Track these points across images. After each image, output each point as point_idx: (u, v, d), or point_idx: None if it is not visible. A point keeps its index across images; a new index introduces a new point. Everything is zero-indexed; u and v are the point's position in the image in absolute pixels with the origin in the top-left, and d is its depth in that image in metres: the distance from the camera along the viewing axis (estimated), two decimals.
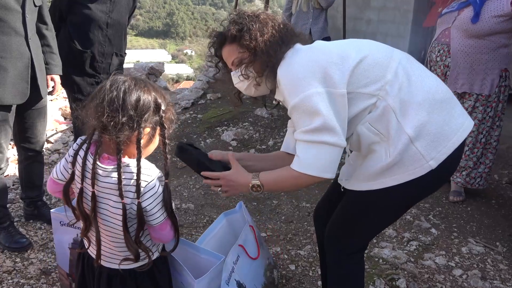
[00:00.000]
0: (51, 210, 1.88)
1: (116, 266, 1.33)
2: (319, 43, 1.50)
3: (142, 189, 1.22)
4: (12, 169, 3.35)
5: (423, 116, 1.36)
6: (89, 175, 1.24)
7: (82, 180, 1.25)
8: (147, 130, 1.22)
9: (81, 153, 1.28)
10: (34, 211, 2.68)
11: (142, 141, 1.22)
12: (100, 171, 1.23)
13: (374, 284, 2.14)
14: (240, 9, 1.55)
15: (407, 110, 1.37)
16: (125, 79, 1.20)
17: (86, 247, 1.36)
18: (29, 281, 2.16)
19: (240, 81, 1.53)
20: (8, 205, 2.59)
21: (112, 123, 1.15)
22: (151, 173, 1.25)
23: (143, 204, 1.22)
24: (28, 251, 2.39)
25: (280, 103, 1.57)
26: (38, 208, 2.68)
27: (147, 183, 1.23)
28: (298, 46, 1.47)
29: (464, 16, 2.70)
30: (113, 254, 1.33)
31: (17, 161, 2.66)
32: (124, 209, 1.21)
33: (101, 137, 1.21)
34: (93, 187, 1.23)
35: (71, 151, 1.31)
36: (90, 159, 1.25)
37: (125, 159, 1.24)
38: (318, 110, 1.32)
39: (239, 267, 1.79)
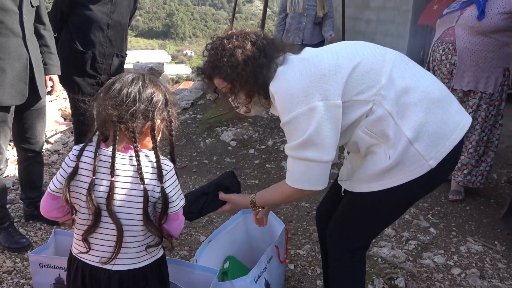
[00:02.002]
0: (29, 253, 1.87)
1: (128, 267, 1.32)
2: (309, 53, 1.48)
3: (163, 176, 1.29)
4: (12, 170, 3.35)
5: (420, 117, 1.37)
6: (104, 165, 1.27)
7: (94, 172, 1.27)
8: (158, 121, 1.31)
9: (89, 149, 1.30)
10: (34, 211, 2.68)
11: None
12: (119, 160, 1.28)
13: (373, 283, 2.15)
14: (212, 39, 1.51)
15: (405, 112, 1.37)
16: (139, 76, 1.30)
17: (85, 251, 1.32)
18: (29, 281, 2.17)
19: (236, 107, 1.57)
20: (8, 206, 2.60)
21: (129, 112, 1.24)
22: (169, 163, 1.34)
23: (166, 190, 1.30)
24: (28, 251, 2.39)
25: None
26: (37, 208, 2.68)
27: (167, 172, 1.31)
28: (289, 58, 1.45)
29: (468, 14, 2.72)
30: (125, 253, 1.31)
31: (16, 162, 2.67)
32: (146, 194, 1.26)
33: (115, 129, 1.26)
34: (112, 176, 1.26)
35: (67, 160, 1.32)
36: (104, 151, 1.29)
37: (144, 150, 1.32)
38: (307, 127, 1.35)
39: (270, 267, 1.83)
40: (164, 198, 1.29)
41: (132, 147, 1.28)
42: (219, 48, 1.45)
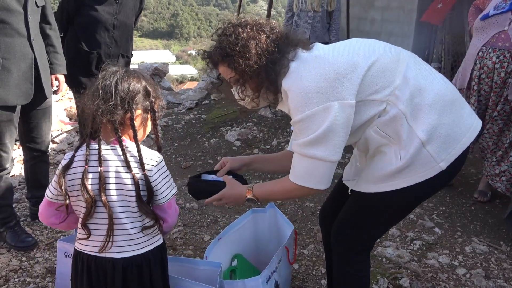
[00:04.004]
0: (58, 240, 1.90)
1: (131, 254, 1.35)
2: (323, 50, 1.44)
3: (152, 167, 1.34)
4: (18, 169, 3.38)
5: (434, 119, 1.36)
6: (94, 158, 1.31)
7: (86, 162, 1.31)
8: (138, 111, 1.35)
9: (82, 148, 1.35)
10: None
11: (136, 123, 1.34)
12: (106, 152, 1.32)
13: (378, 283, 2.15)
14: (225, 24, 1.46)
15: (418, 114, 1.36)
16: (117, 70, 1.33)
17: (85, 237, 1.35)
18: (35, 280, 2.18)
19: (240, 99, 1.53)
20: (14, 205, 2.62)
21: (106, 105, 1.28)
22: (156, 155, 1.37)
23: (153, 180, 1.33)
24: (34, 250, 2.41)
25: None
26: None
27: (157, 163, 1.35)
28: (302, 55, 1.41)
29: None
30: (126, 240, 1.35)
31: (23, 161, 2.69)
32: (136, 181, 1.30)
33: (100, 123, 1.30)
34: (100, 166, 1.30)
35: (63, 161, 1.36)
36: (93, 144, 1.33)
37: (128, 141, 1.35)
38: (320, 125, 1.34)
39: (280, 268, 1.84)
40: (148, 186, 1.32)
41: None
42: (232, 35, 1.40)
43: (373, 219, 1.53)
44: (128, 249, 1.36)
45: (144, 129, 1.40)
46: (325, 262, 1.97)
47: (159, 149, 1.43)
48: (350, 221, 1.57)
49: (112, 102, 1.28)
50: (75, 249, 1.42)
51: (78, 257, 1.40)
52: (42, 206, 1.43)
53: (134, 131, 1.33)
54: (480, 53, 2.73)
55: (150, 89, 1.37)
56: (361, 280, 1.61)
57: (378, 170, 1.43)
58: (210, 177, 1.72)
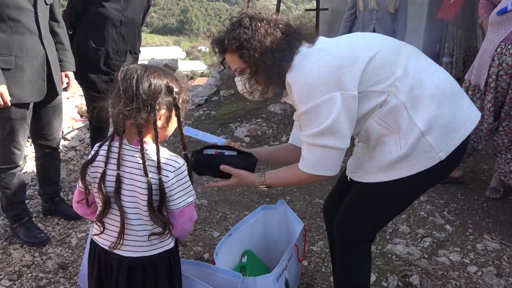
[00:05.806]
0: (92, 226, 1.90)
1: (137, 254, 1.37)
2: (325, 43, 1.47)
3: (169, 172, 1.30)
4: (30, 166, 3.42)
5: (433, 110, 1.39)
6: (114, 157, 1.32)
7: (106, 163, 1.32)
8: (162, 111, 1.32)
9: (107, 142, 1.36)
10: (52, 207, 2.74)
11: (160, 122, 1.32)
12: (126, 152, 1.32)
13: (387, 281, 2.14)
14: (239, 15, 1.48)
15: (418, 105, 1.39)
16: (136, 68, 1.30)
17: (99, 232, 1.39)
18: (47, 275, 2.21)
19: (246, 91, 1.54)
20: (26, 201, 2.65)
21: (128, 109, 1.25)
22: (178, 160, 1.33)
23: (168, 186, 1.30)
24: (46, 246, 2.45)
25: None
26: (55, 204, 2.74)
27: (176, 169, 1.32)
28: (305, 49, 1.44)
29: None
30: (135, 241, 1.36)
31: (34, 158, 2.72)
32: (150, 186, 1.28)
33: (124, 123, 1.31)
34: (118, 169, 1.31)
35: (92, 152, 1.38)
36: (116, 144, 1.34)
37: (150, 143, 1.33)
38: (327, 116, 1.37)
39: (289, 266, 1.85)
40: (161, 191, 1.30)
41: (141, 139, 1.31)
42: (249, 28, 1.42)
43: (374, 209, 1.55)
44: (135, 249, 1.37)
45: (168, 126, 1.37)
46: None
47: (184, 148, 1.40)
48: (351, 212, 1.60)
49: (134, 106, 1.25)
50: (91, 238, 1.45)
51: (92, 246, 1.44)
52: (74, 195, 1.47)
53: (156, 133, 1.30)
54: (498, 49, 2.65)
55: (172, 85, 1.32)
56: (361, 271, 1.63)
57: (379, 160, 1.46)
58: (213, 151, 1.74)
